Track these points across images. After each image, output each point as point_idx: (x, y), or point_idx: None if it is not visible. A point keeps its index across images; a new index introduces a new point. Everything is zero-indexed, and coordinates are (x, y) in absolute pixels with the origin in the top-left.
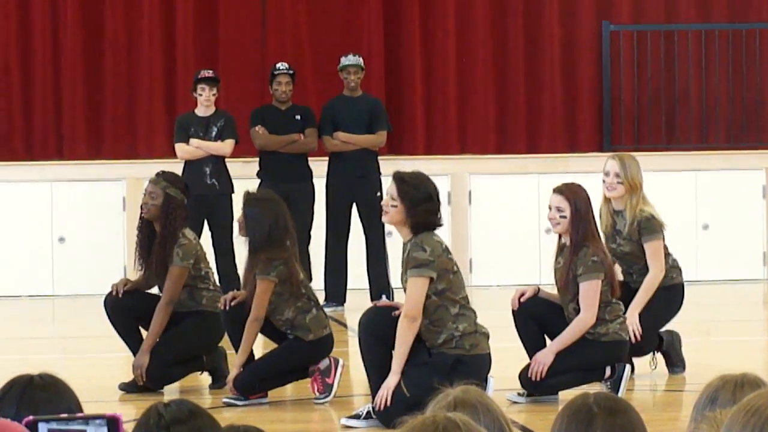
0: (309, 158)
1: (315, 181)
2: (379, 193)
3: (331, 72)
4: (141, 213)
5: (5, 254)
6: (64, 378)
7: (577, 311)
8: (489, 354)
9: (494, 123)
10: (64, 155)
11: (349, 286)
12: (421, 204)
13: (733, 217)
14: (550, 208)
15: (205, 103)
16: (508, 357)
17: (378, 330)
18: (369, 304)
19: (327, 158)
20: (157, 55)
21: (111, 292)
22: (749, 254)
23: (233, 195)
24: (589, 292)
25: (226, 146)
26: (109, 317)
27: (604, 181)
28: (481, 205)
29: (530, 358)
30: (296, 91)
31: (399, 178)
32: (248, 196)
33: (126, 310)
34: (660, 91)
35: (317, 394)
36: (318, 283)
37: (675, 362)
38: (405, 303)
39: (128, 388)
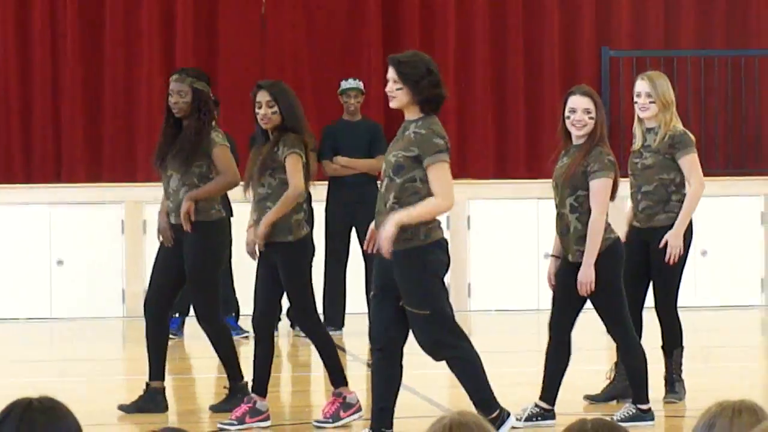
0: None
1: (314, 205)
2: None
3: (331, 96)
4: (170, 113)
5: (4, 277)
6: (62, 401)
7: (573, 207)
8: (444, 239)
9: (493, 148)
10: (63, 178)
11: (347, 311)
12: (424, 79)
13: (732, 243)
14: (574, 111)
15: None
16: (504, 382)
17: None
18: (367, 328)
19: (326, 182)
20: (156, 78)
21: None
22: (747, 280)
23: (231, 217)
24: (603, 189)
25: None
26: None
27: (636, 102)
28: (480, 229)
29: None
30: None
31: (396, 61)
32: (275, 84)
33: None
34: None
35: (323, 417)
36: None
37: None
38: (440, 191)
39: (128, 409)
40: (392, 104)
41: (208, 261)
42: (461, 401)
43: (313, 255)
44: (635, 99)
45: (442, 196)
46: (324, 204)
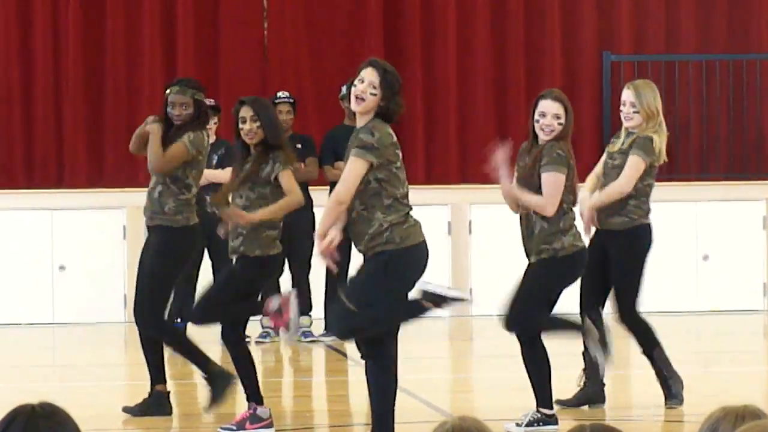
0: (309, 187)
1: (315, 210)
2: None
3: (332, 101)
4: (168, 123)
5: (6, 282)
6: (64, 407)
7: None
8: (424, 242)
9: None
10: (65, 183)
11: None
12: (397, 94)
13: (734, 248)
14: (544, 115)
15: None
16: (505, 386)
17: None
18: None
19: (328, 187)
20: (158, 84)
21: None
22: (749, 285)
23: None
24: (553, 182)
25: (226, 174)
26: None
27: (621, 111)
28: (482, 234)
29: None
30: (297, 120)
31: (382, 68)
32: (257, 100)
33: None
34: None
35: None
36: (318, 312)
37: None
38: (338, 184)
39: (132, 411)
40: (359, 107)
41: (166, 265)
42: (462, 406)
43: (279, 274)
44: (621, 107)
45: (336, 192)
46: None
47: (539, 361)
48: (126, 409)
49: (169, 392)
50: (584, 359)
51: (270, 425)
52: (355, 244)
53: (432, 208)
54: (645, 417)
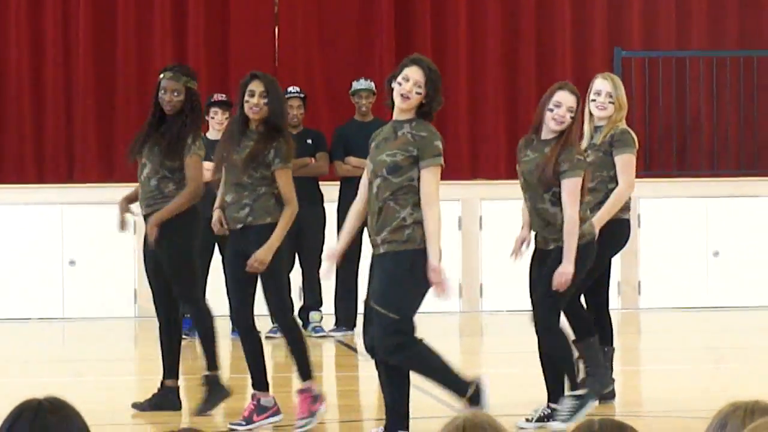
0: (320, 182)
1: (326, 205)
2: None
3: (343, 96)
4: (156, 108)
5: (16, 277)
6: (73, 401)
7: (552, 202)
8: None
9: (506, 148)
10: (75, 178)
11: (359, 311)
12: (439, 92)
13: (744, 244)
14: (559, 106)
15: (217, 126)
16: (515, 382)
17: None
18: None
19: (338, 183)
20: None
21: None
22: (760, 281)
23: None
24: (575, 188)
25: None
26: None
27: (594, 100)
28: (492, 230)
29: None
30: (308, 115)
31: (426, 66)
32: (269, 77)
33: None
34: (671, 118)
35: (298, 419)
36: (328, 308)
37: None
38: (429, 193)
39: (142, 407)
40: (404, 104)
41: (184, 249)
42: None
43: (289, 269)
44: (593, 97)
45: (432, 201)
46: (336, 204)
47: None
48: (135, 405)
49: (178, 387)
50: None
51: (277, 412)
52: (370, 233)
53: (443, 203)
54: (655, 412)
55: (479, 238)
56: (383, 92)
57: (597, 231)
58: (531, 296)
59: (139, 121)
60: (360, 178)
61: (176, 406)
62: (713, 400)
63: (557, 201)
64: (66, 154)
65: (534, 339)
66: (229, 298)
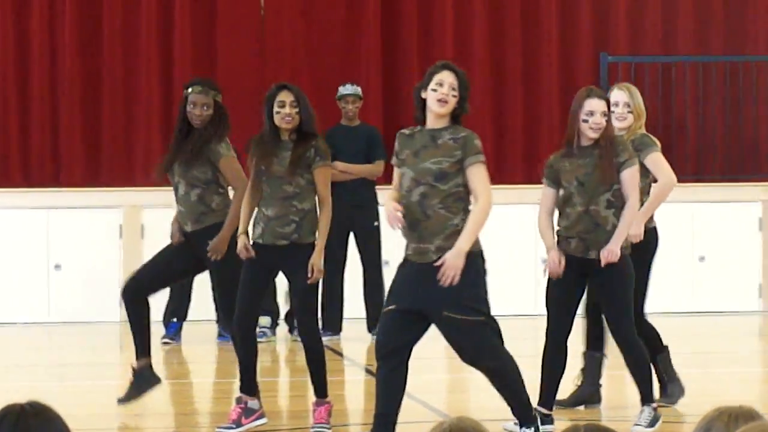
0: None
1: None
2: (376, 223)
3: (329, 101)
4: (184, 122)
5: (1, 281)
6: (57, 406)
7: (608, 203)
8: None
9: (491, 153)
10: (61, 182)
11: (345, 316)
12: (468, 98)
13: (730, 249)
14: (592, 114)
15: None
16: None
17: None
18: (365, 333)
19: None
20: (154, 82)
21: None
22: (745, 286)
23: None
24: (636, 176)
25: None
26: (126, 308)
27: (612, 112)
28: (482, 235)
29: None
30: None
31: (453, 69)
32: (296, 87)
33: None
34: (657, 123)
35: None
36: None
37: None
38: (484, 190)
39: (126, 398)
40: (443, 109)
41: (232, 262)
42: (459, 406)
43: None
44: (612, 108)
45: (485, 196)
46: None
47: (642, 358)
48: (121, 400)
49: (150, 363)
50: (584, 359)
51: (262, 415)
52: (418, 241)
53: None
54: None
55: None
56: (369, 97)
57: (642, 228)
58: (549, 301)
59: (125, 125)
60: (346, 182)
61: (155, 380)
62: (698, 406)
63: (612, 203)
64: (52, 157)
65: (520, 344)
66: (225, 302)
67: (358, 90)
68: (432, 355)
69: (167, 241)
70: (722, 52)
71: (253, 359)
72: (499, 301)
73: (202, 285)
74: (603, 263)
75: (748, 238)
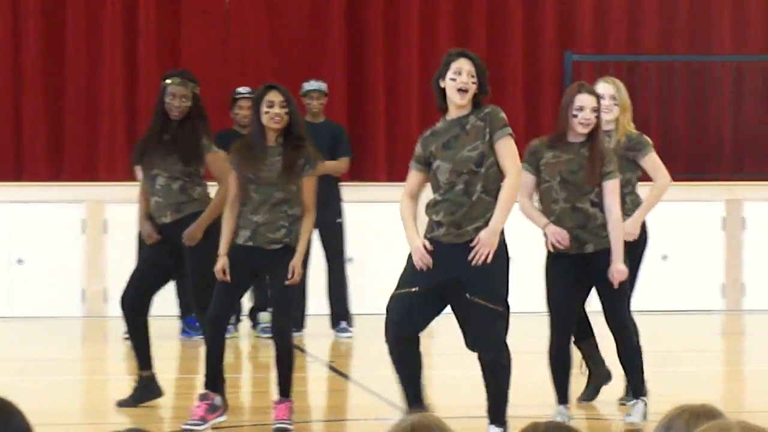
0: None
1: None
2: (339, 219)
3: (294, 97)
4: (161, 115)
5: None
6: (19, 401)
7: (593, 202)
8: None
9: None
10: (24, 177)
11: (308, 312)
12: (487, 83)
13: (692, 248)
14: (582, 109)
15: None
16: (464, 384)
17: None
18: (328, 330)
19: None
20: (118, 77)
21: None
22: (708, 285)
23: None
24: (617, 189)
25: None
26: (126, 321)
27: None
28: None
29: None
30: None
31: (470, 56)
32: (282, 87)
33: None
34: None
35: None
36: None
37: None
38: (513, 165)
39: (126, 403)
40: (463, 99)
41: (210, 255)
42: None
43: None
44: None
45: (515, 170)
46: None
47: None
48: (121, 403)
49: (154, 375)
50: (580, 350)
51: (223, 413)
52: (456, 227)
53: (393, 205)
54: (606, 415)
55: None
56: (334, 93)
57: (639, 227)
58: (553, 300)
59: (88, 120)
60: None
61: (158, 393)
62: (661, 404)
63: (596, 203)
64: (15, 152)
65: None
66: (199, 292)
67: (323, 86)
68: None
69: (130, 236)
70: (686, 52)
71: (221, 356)
72: (520, 297)
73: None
74: (616, 285)
75: (711, 238)
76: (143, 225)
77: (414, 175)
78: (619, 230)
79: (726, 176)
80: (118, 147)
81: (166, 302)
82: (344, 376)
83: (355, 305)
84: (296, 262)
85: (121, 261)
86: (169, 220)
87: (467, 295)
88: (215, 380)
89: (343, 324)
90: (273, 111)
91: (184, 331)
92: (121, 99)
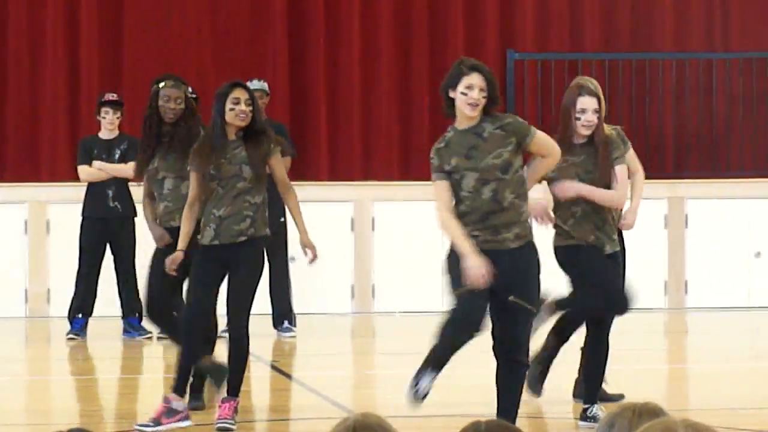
0: None
1: None
2: (282, 219)
3: None
4: (155, 118)
5: None
6: None
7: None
8: None
9: (398, 150)
10: None
11: (251, 311)
12: (497, 93)
13: (635, 246)
14: (584, 111)
15: (108, 126)
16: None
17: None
18: (271, 329)
19: None
20: (60, 77)
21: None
22: (650, 283)
23: (136, 218)
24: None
25: (128, 169)
26: (160, 328)
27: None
28: (385, 231)
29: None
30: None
31: (482, 71)
32: (246, 85)
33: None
34: None
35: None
36: (221, 308)
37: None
38: (554, 145)
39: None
40: (474, 113)
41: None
42: (364, 402)
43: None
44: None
45: (557, 149)
46: None
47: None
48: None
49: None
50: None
51: (186, 417)
52: (493, 233)
53: (335, 204)
54: (560, 414)
55: (372, 239)
56: (276, 92)
57: (636, 219)
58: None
59: (30, 119)
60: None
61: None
62: (606, 403)
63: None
64: None
65: (423, 340)
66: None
67: (265, 85)
68: (336, 351)
69: (73, 237)
70: (629, 49)
71: (194, 360)
72: (406, 298)
73: (107, 281)
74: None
75: (654, 236)
76: (154, 229)
77: (442, 186)
78: (612, 194)
79: (668, 174)
80: (60, 147)
81: (108, 303)
82: (287, 375)
83: (297, 305)
84: (305, 239)
85: (64, 262)
86: (178, 224)
87: (511, 297)
88: (182, 384)
89: (286, 323)
90: (239, 108)
91: (126, 331)
92: (63, 99)
